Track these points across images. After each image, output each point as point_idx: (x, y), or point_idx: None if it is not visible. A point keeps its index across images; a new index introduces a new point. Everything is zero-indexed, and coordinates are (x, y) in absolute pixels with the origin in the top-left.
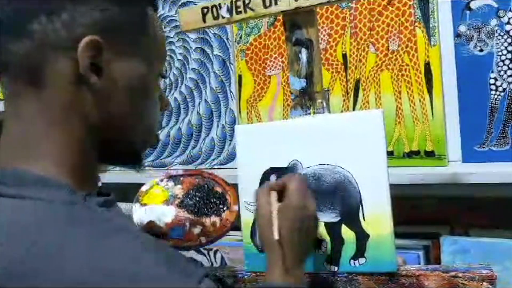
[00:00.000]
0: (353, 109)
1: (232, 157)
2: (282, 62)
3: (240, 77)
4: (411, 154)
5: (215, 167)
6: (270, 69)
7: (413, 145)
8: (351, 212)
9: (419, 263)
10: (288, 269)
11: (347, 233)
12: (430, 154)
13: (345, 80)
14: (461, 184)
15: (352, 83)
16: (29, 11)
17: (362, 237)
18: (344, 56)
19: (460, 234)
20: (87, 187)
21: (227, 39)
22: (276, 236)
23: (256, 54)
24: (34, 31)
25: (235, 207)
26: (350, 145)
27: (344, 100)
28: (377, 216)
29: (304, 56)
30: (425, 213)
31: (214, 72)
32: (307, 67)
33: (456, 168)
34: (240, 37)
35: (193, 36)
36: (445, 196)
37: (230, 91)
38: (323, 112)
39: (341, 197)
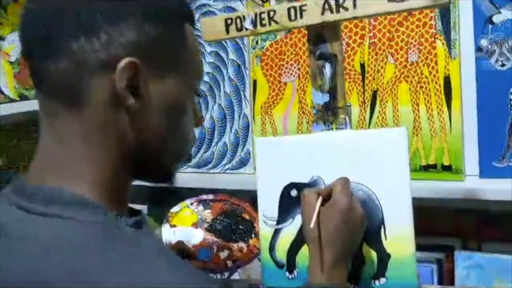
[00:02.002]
0: (370, 120)
1: (244, 162)
2: (298, 69)
3: (255, 82)
4: (428, 167)
5: (227, 171)
6: (286, 76)
7: (430, 158)
8: (372, 231)
9: (432, 278)
10: (329, 268)
11: (368, 252)
12: (447, 168)
13: (362, 90)
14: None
15: (370, 93)
16: (68, 30)
17: (383, 257)
18: (362, 66)
19: (473, 247)
20: (119, 206)
21: (243, 43)
22: (312, 224)
23: (272, 60)
24: (72, 50)
25: None
26: (373, 162)
27: (360, 111)
28: (400, 236)
29: (327, 70)
30: (438, 225)
31: (228, 76)
32: (331, 82)
33: (473, 183)
34: (256, 42)
35: None
36: (458, 209)
37: (245, 96)
38: (346, 128)
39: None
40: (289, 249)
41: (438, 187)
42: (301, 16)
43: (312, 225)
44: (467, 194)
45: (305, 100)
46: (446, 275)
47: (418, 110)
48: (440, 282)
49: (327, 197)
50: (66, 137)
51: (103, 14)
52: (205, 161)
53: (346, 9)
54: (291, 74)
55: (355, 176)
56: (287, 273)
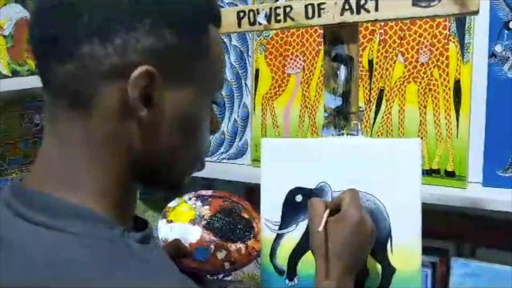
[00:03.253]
0: (374, 119)
1: (242, 153)
2: (304, 61)
3: (257, 71)
4: (431, 172)
5: (224, 161)
6: (290, 67)
7: (433, 163)
8: (379, 243)
9: (426, 282)
10: (336, 281)
11: (372, 264)
12: (450, 174)
13: (368, 88)
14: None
15: (376, 92)
16: (80, 31)
17: (388, 270)
18: (370, 63)
19: (467, 252)
20: (125, 217)
21: None
22: (320, 228)
23: (276, 50)
24: (83, 54)
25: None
26: (384, 173)
27: (365, 109)
28: (406, 251)
29: (342, 73)
30: (432, 227)
31: (230, 63)
32: (345, 86)
33: (476, 191)
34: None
35: None
36: (454, 212)
37: (246, 85)
38: (357, 134)
39: None
40: (290, 255)
41: (439, 193)
42: (319, 15)
43: (320, 228)
44: (468, 202)
45: (309, 94)
46: (440, 280)
47: (425, 113)
48: (433, 286)
49: (334, 209)
50: (71, 143)
51: (119, 17)
52: None
53: (367, 10)
54: (296, 66)
55: (364, 186)
56: (287, 281)
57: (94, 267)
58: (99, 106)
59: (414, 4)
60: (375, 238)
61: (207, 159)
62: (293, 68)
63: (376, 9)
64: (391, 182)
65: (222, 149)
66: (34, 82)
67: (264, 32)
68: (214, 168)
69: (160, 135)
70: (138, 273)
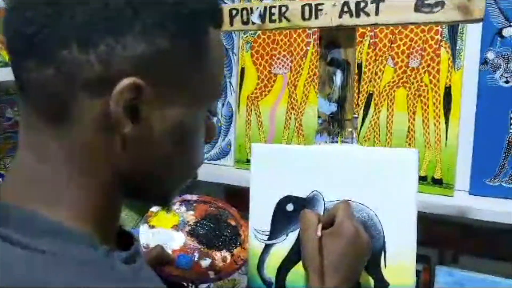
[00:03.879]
0: (361, 124)
1: (224, 153)
2: (291, 62)
3: (242, 70)
4: (418, 179)
5: (206, 161)
6: (277, 67)
7: (421, 170)
8: (372, 256)
9: None
10: None
11: (364, 277)
12: (437, 182)
13: (356, 91)
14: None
15: (364, 96)
16: (59, 33)
17: (380, 285)
18: (359, 66)
19: (449, 259)
20: (109, 235)
21: None
22: (318, 233)
23: (263, 48)
24: (61, 59)
25: (248, 245)
26: (379, 183)
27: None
28: (400, 265)
29: (338, 78)
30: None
31: None
32: (340, 91)
33: (462, 199)
34: None
35: None
36: (438, 219)
37: (230, 83)
38: (352, 142)
39: None
40: (279, 267)
41: (425, 200)
42: (316, 17)
43: (318, 233)
44: (454, 210)
45: (295, 95)
46: (422, 287)
47: (413, 119)
48: None
49: (327, 222)
50: (48, 156)
51: (105, 19)
52: None
53: (367, 14)
54: (283, 66)
55: (358, 196)
56: None
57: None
58: (79, 118)
59: (416, 10)
60: (370, 249)
61: None
62: (280, 68)
63: (377, 13)
64: (386, 193)
65: (204, 150)
66: (6, 74)
67: None
68: None
69: (149, 150)
70: None
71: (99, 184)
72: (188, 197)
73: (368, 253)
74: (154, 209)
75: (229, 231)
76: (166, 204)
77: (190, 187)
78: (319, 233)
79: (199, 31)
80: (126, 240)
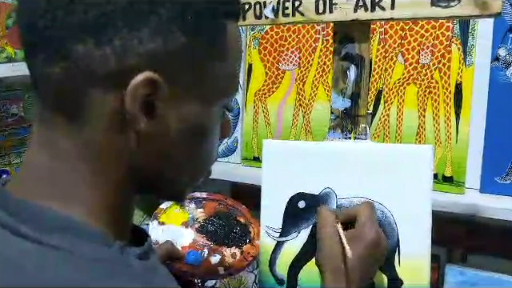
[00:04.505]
0: (371, 120)
1: (231, 150)
2: (299, 58)
3: (250, 66)
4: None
5: None
6: (285, 63)
7: None
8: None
9: None
10: None
11: (379, 275)
12: (448, 180)
13: (368, 88)
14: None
15: (374, 92)
16: (74, 28)
17: (394, 283)
18: (369, 62)
19: (458, 258)
20: (122, 230)
21: None
22: (344, 242)
23: (271, 45)
24: (76, 54)
25: (258, 242)
26: (393, 180)
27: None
28: (415, 263)
29: (352, 73)
30: None
31: None
32: (354, 87)
33: (473, 197)
34: None
35: None
36: (447, 217)
37: None
38: (365, 139)
39: None
40: (291, 264)
41: (435, 198)
42: (331, 11)
43: (349, 255)
44: (465, 208)
45: (304, 92)
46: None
47: (424, 116)
48: None
49: (345, 221)
50: (62, 152)
51: (121, 13)
52: None
53: (382, 8)
54: (291, 62)
55: (372, 193)
56: None
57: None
58: (92, 115)
59: (433, 4)
60: (385, 257)
61: None
62: (288, 65)
63: (392, 7)
64: (400, 190)
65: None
66: (10, 70)
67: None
68: None
69: (163, 147)
70: None
71: (112, 181)
72: (198, 194)
73: (383, 258)
74: (163, 205)
75: (238, 228)
76: (180, 200)
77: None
78: (343, 239)
79: (217, 26)
80: (139, 236)
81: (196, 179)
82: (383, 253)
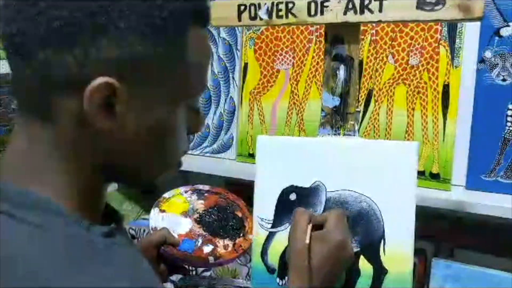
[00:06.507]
0: (361, 119)
1: (226, 147)
2: (293, 58)
3: (245, 65)
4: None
5: (206, 155)
6: (280, 63)
7: (419, 164)
8: (372, 244)
9: None
10: None
11: (364, 265)
12: (435, 177)
13: (357, 87)
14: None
15: (365, 92)
16: (38, 37)
17: (379, 272)
18: (360, 63)
19: (445, 253)
20: (92, 211)
21: None
22: (307, 240)
23: (266, 45)
24: (39, 61)
25: (251, 236)
26: (380, 174)
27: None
28: (399, 253)
29: (342, 73)
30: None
31: (218, 55)
32: (344, 86)
33: (459, 194)
34: None
35: None
36: (434, 213)
37: (233, 79)
38: (354, 135)
39: (364, 227)
40: (282, 254)
41: (423, 194)
42: (322, 13)
43: (307, 241)
44: (451, 204)
45: (297, 90)
46: (418, 280)
47: (412, 115)
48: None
49: (317, 223)
50: (36, 142)
51: (81, 23)
52: None
53: (371, 11)
54: (285, 61)
55: (360, 186)
56: (277, 279)
57: (58, 268)
58: (58, 115)
59: (418, 7)
60: (367, 239)
61: (189, 152)
62: (282, 64)
63: (380, 10)
64: (386, 184)
65: (206, 143)
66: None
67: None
68: (195, 161)
69: (124, 144)
70: (101, 278)
71: (82, 169)
72: (200, 187)
73: (348, 265)
74: (166, 195)
75: (234, 221)
76: (148, 190)
77: (190, 180)
78: (308, 236)
79: (176, 33)
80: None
81: (161, 171)
82: (348, 256)
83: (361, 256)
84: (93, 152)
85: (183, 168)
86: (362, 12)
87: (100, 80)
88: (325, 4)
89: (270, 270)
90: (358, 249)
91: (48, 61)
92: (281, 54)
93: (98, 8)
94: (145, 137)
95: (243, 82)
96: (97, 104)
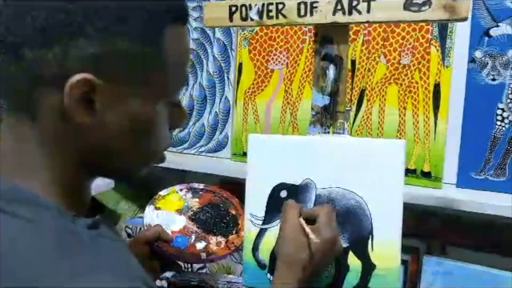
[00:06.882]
0: (354, 118)
1: (221, 146)
2: (287, 58)
3: (240, 65)
4: (407, 172)
5: (202, 154)
6: (274, 63)
7: (410, 163)
8: (360, 240)
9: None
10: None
11: (353, 261)
12: (426, 175)
13: (350, 87)
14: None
15: (357, 91)
16: (23, 35)
17: (368, 267)
18: (353, 62)
19: (437, 250)
20: (77, 204)
21: None
22: (311, 235)
23: (260, 45)
24: (23, 58)
25: (243, 233)
26: (368, 172)
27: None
28: (387, 249)
29: (331, 72)
30: (404, 225)
31: (213, 56)
32: (333, 85)
33: (450, 192)
34: None
35: (195, 14)
36: (426, 211)
37: (228, 78)
38: (343, 133)
39: (353, 224)
40: (273, 250)
41: (414, 193)
42: (311, 14)
43: (315, 238)
44: (442, 202)
45: (291, 90)
46: (411, 277)
47: (404, 114)
48: (404, 284)
49: (306, 218)
50: (22, 137)
51: (62, 22)
52: (181, 141)
53: (359, 12)
54: (280, 61)
55: (348, 184)
56: (268, 275)
57: (42, 258)
58: (41, 110)
59: (405, 8)
60: (354, 235)
61: (185, 151)
62: (276, 64)
63: (368, 10)
64: (374, 181)
65: (201, 142)
66: None
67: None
68: (191, 161)
69: (105, 138)
70: (84, 267)
71: (65, 165)
72: (196, 185)
73: (337, 258)
74: (162, 192)
75: (228, 219)
76: (130, 183)
77: (185, 179)
78: (309, 232)
79: (153, 31)
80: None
81: (143, 164)
82: (338, 252)
83: (350, 252)
84: (76, 147)
85: (179, 167)
86: (350, 13)
87: (78, 76)
88: (315, 5)
89: (261, 265)
90: (347, 245)
91: (31, 59)
92: (275, 54)
93: (75, 8)
94: (125, 132)
95: (238, 82)
96: (76, 100)
